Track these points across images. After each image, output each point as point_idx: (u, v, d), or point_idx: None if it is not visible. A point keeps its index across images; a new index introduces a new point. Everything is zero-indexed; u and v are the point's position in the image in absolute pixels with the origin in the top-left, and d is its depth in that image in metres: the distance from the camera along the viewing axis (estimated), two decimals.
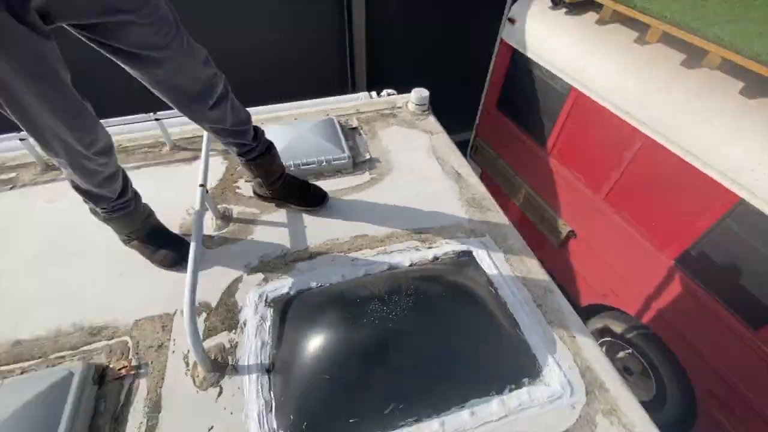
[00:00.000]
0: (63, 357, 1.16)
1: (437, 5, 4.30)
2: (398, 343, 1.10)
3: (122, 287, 1.33)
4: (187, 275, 1.06)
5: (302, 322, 1.19)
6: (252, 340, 1.16)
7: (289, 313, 1.22)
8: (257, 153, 1.37)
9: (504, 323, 1.19)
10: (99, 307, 1.27)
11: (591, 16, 2.68)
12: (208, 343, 1.17)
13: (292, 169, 1.62)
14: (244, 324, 1.21)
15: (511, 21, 3.22)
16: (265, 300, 1.26)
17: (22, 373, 1.13)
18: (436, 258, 1.39)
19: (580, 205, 2.90)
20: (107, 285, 1.33)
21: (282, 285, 1.30)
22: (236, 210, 1.56)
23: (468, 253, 1.41)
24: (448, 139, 1.86)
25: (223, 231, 1.48)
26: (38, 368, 1.13)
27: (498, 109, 3.57)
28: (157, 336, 1.20)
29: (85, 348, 1.18)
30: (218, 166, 1.75)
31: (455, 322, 1.16)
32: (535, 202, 3.30)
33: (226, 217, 1.52)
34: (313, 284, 1.30)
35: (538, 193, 3.27)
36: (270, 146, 1.41)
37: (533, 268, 1.38)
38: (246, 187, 1.65)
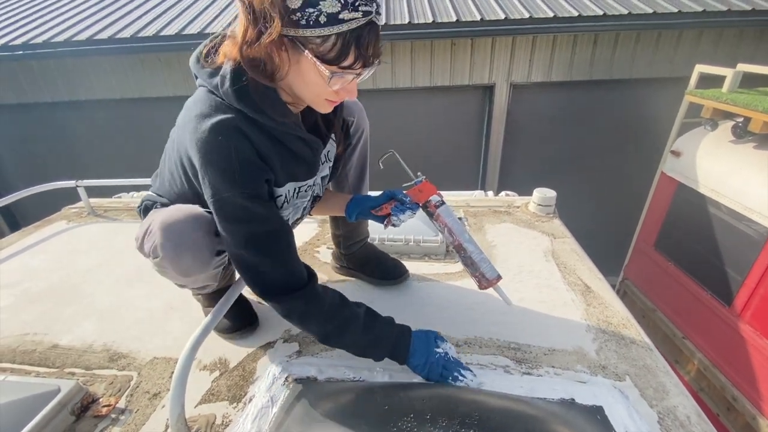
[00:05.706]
0: (74, 374, 1.05)
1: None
2: None
3: (165, 321, 1.23)
4: (195, 332, 0.83)
5: (315, 421, 0.84)
6: (247, 426, 0.85)
7: (305, 402, 0.89)
8: None
9: None
10: (135, 334, 1.18)
11: None
12: (200, 410, 0.91)
13: (375, 242, 1.43)
14: (249, 400, 0.93)
15: (675, 153, 2.82)
16: (286, 378, 0.96)
17: (36, 377, 1.05)
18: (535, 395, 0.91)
19: None
20: (154, 314, 1.25)
21: (312, 365, 1.00)
22: None
23: (592, 402, 0.89)
24: (577, 246, 1.44)
25: None
26: (46, 377, 1.04)
27: (656, 250, 2.89)
28: (159, 382, 1.00)
29: (96, 371, 1.06)
30: (309, 230, 1.70)
31: None
32: (717, 381, 2.27)
33: None
34: (350, 375, 0.96)
35: (722, 370, 2.27)
36: None
37: None
38: (325, 253, 1.52)
